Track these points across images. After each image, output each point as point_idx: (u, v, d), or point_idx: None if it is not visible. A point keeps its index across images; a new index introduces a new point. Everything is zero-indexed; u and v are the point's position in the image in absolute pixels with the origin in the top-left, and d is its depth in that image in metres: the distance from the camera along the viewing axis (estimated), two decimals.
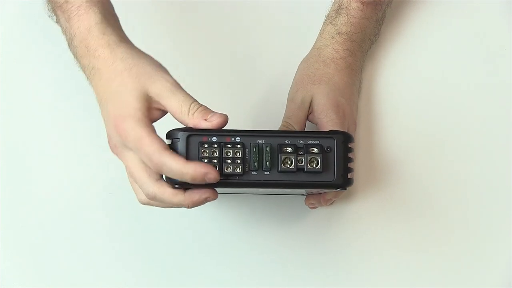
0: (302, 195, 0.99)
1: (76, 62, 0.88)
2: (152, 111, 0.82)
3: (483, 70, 1.04)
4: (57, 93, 1.02)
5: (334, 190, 0.83)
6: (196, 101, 0.82)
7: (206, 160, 0.80)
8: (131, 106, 0.81)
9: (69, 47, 0.88)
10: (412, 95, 1.04)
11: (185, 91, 0.82)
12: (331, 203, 0.98)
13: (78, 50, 0.85)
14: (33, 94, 1.02)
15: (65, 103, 1.02)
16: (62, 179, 1.00)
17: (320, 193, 0.96)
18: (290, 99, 0.97)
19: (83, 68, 0.86)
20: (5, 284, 0.98)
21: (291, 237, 1.00)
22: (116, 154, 0.83)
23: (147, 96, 0.82)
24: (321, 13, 1.01)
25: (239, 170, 0.81)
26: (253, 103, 1.02)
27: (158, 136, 0.80)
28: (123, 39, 0.85)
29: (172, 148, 0.81)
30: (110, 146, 0.83)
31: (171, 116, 0.83)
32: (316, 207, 0.99)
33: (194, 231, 1.00)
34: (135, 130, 0.80)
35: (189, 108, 0.81)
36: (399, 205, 1.01)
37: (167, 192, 0.82)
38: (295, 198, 1.00)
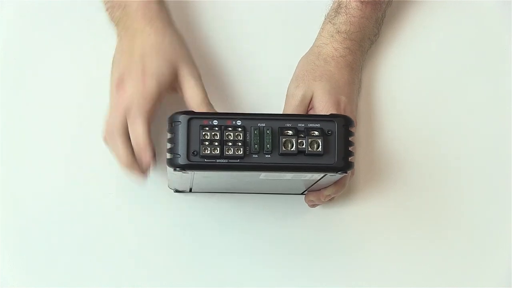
0: (302, 194, 0.99)
1: (113, 25, 0.98)
2: (170, 86, 0.94)
3: (483, 70, 1.04)
4: (56, 93, 1.02)
5: (334, 174, 0.83)
6: (207, 97, 0.93)
7: (207, 143, 0.80)
8: (161, 72, 0.92)
9: (114, 14, 0.98)
10: (412, 94, 1.04)
11: (203, 85, 0.94)
12: (331, 200, 0.98)
13: (130, 15, 0.96)
14: (33, 94, 1.02)
15: (65, 102, 1.02)
16: (61, 179, 1.00)
17: (319, 190, 0.96)
18: (290, 95, 0.97)
19: (128, 28, 0.96)
20: (5, 284, 0.98)
21: (291, 236, 1.00)
22: (118, 89, 0.93)
23: (176, 73, 0.93)
24: (321, 11, 1.01)
25: (240, 153, 0.80)
26: (252, 101, 1.02)
27: (153, 111, 0.92)
28: (172, 22, 0.97)
29: (173, 131, 0.81)
30: (116, 80, 0.94)
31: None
32: (316, 204, 0.99)
33: (193, 230, 1.00)
34: (152, 84, 0.92)
35: (201, 100, 0.92)
36: (399, 204, 1.01)
37: (120, 145, 0.92)
38: (294, 198, 1.00)
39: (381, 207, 1.01)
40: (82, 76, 1.02)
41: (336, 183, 0.94)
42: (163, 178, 0.97)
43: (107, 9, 0.98)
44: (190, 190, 0.99)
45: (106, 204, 1.00)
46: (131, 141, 0.92)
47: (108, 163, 1.00)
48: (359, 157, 1.01)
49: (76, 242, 0.99)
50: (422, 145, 1.02)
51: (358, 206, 1.01)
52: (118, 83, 0.93)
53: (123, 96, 0.92)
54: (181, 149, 0.81)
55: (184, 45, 0.96)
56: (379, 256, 1.00)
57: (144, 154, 0.90)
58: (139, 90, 0.91)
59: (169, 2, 0.98)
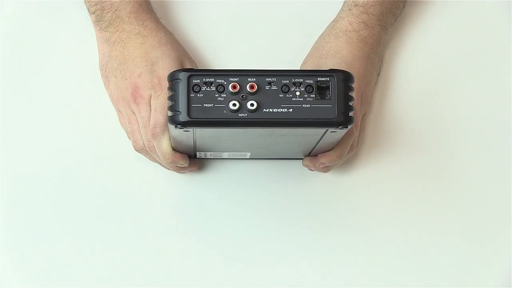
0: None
1: (100, 28, 0.98)
2: None
3: (483, 70, 1.04)
4: (57, 92, 1.02)
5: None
6: None
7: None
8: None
9: (103, 17, 0.97)
10: (412, 92, 1.04)
11: None
12: (327, 169, 0.98)
13: (123, 19, 0.96)
14: (33, 93, 1.02)
15: (65, 102, 1.02)
16: (62, 179, 1.00)
17: (316, 155, 0.96)
18: None
19: (122, 31, 0.96)
20: (5, 284, 0.98)
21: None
22: (138, 103, 0.93)
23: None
24: (329, 7, 1.01)
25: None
26: None
27: None
28: (159, 20, 0.99)
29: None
30: (134, 95, 0.94)
31: None
32: (313, 170, 0.99)
33: (194, 227, 1.00)
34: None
35: None
36: (400, 204, 1.01)
37: (165, 144, 0.92)
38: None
39: (381, 207, 1.01)
40: (83, 76, 1.03)
41: (332, 152, 0.94)
42: (164, 178, 0.98)
43: (93, 12, 0.98)
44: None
45: (106, 204, 1.00)
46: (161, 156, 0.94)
47: (109, 163, 1.00)
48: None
49: (77, 241, 0.99)
50: (425, 139, 1.02)
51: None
52: (135, 95, 0.93)
53: (141, 106, 0.93)
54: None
55: (179, 43, 0.97)
56: (377, 256, 1.00)
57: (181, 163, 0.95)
58: (163, 102, 0.92)
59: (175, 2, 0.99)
